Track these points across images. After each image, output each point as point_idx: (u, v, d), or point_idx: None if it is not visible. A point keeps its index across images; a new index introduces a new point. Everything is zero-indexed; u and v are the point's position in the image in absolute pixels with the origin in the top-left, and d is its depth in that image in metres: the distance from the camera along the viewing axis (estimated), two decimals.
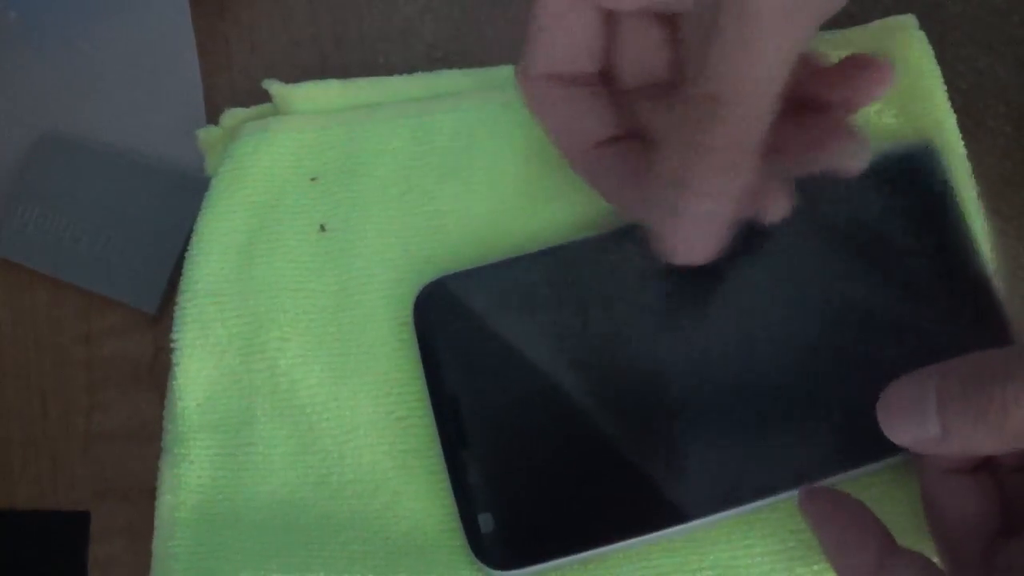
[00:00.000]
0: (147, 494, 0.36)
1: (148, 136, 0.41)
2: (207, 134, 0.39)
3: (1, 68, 0.42)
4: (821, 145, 0.30)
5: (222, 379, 0.36)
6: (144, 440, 0.38)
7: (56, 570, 0.38)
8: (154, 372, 0.39)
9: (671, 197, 0.28)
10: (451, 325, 0.35)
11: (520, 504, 0.33)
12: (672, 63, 0.33)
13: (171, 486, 0.35)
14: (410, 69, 0.39)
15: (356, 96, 0.39)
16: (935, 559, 0.29)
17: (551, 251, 0.35)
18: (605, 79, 0.34)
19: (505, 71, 0.39)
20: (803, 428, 0.33)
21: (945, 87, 0.37)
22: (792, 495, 0.32)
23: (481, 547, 0.33)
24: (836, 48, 0.38)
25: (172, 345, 0.36)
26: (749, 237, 0.34)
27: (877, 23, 0.38)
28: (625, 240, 0.35)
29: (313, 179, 0.38)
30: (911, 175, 0.34)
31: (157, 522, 0.35)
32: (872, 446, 0.32)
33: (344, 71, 0.40)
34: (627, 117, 0.33)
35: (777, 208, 0.31)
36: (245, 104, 0.39)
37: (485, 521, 0.33)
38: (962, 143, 0.36)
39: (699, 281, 0.34)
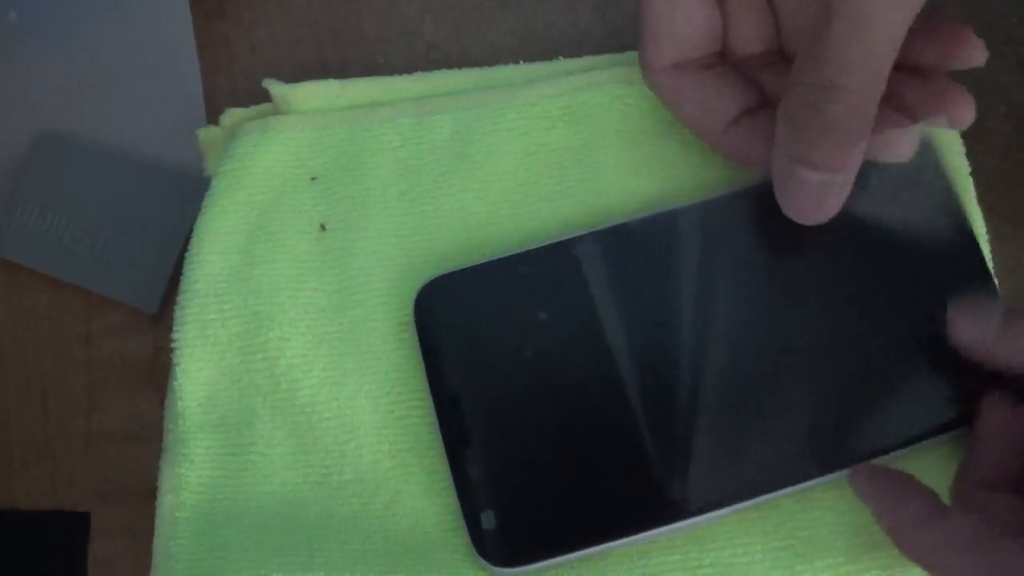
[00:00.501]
0: (147, 494, 0.36)
1: (148, 136, 0.41)
2: (207, 134, 0.39)
3: (1, 68, 0.42)
4: (940, 105, 0.32)
5: (222, 379, 0.36)
6: (144, 440, 0.38)
7: (56, 570, 0.38)
8: (154, 372, 0.39)
9: (794, 170, 0.31)
10: (452, 322, 0.35)
11: (522, 501, 0.33)
12: (778, 30, 0.35)
13: (172, 486, 0.35)
14: (410, 69, 0.39)
15: (356, 96, 0.39)
16: None
17: (553, 247, 0.35)
18: (722, 57, 0.35)
19: (505, 71, 0.39)
20: (804, 426, 0.33)
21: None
22: (792, 492, 0.33)
23: (483, 544, 0.33)
24: None
25: (172, 345, 0.36)
26: (753, 238, 0.34)
27: None
28: (626, 236, 0.35)
29: (313, 178, 0.38)
30: (911, 175, 0.34)
31: (158, 521, 0.35)
32: (873, 444, 0.32)
33: (344, 71, 0.40)
34: (753, 89, 0.35)
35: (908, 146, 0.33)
36: (245, 104, 0.39)
37: (487, 518, 0.33)
38: (962, 143, 0.36)
39: (702, 278, 0.34)
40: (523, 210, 0.37)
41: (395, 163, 0.38)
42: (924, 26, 0.32)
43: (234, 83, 0.41)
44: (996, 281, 0.34)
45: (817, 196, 0.31)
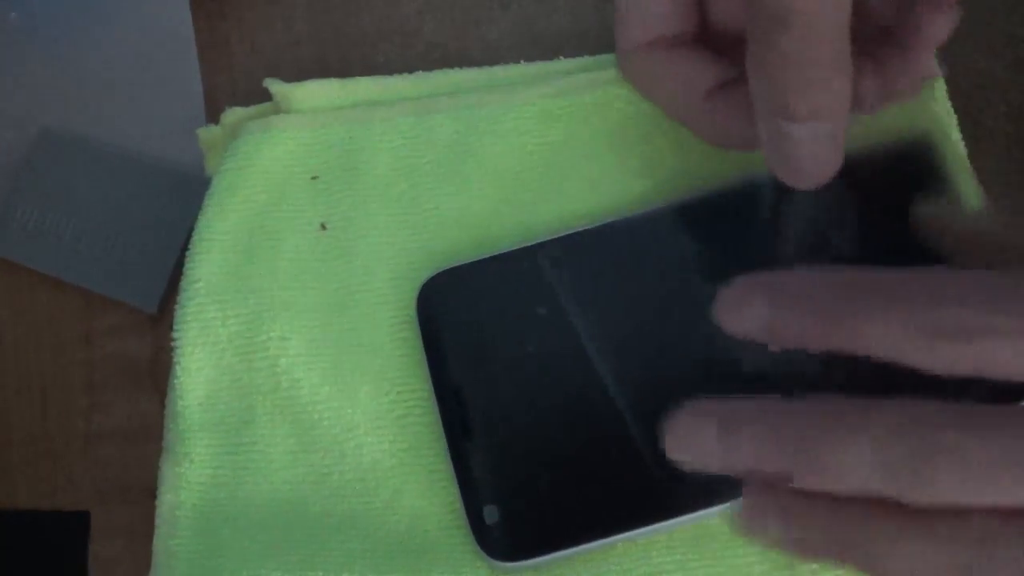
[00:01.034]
0: (147, 494, 0.36)
1: (148, 136, 0.41)
2: (207, 133, 0.39)
3: (1, 68, 0.42)
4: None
5: (222, 378, 0.36)
6: (144, 440, 0.38)
7: (56, 570, 0.38)
8: (154, 372, 0.39)
9: (777, 127, 0.29)
10: (455, 317, 0.35)
11: (524, 495, 0.33)
12: None
13: (172, 485, 0.35)
14: (410, 69, 0.39)
15: (356, 95, 0.39)
16: None
17: (557, 241, 0.35)
18: (701, 36, 0.34)
19: (505, 71, 0.39)
20: None
21: (945, 87, 0.37)
22: None
23: (486, 539, 0.33)
24: None
25: (172, 344, 0.36)
26: (749, 235, 0.34)
27: None
28: (626, 232, 0.35)
29: (313, 178, 0.38)
30: (911, 175, 0.34)
31: (158, 521, 0.35)
32: None
33: (344, 71, 0.40)
34: (732, 66, 0.33)
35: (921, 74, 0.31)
36: (245, 104, 0.39)
37: (490, 513, 0.33)
38: (962, 143, 0.36)
39: (703, 272, 0.34)
40: (523, 210, 0.37)
41: (395, 163, 0.38)
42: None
43: (234, 83, 0.41)
44: None
45: (808, 153, 0.29)
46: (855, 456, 0.24)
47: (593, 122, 0.37)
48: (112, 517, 0.38)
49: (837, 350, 0.25)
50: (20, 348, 0.40)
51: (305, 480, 0.35)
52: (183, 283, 0.37)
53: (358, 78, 0.39)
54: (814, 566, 0.32)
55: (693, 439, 0.26)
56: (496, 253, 0.35)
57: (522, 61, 0.39)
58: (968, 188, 0.35)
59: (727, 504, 0.32)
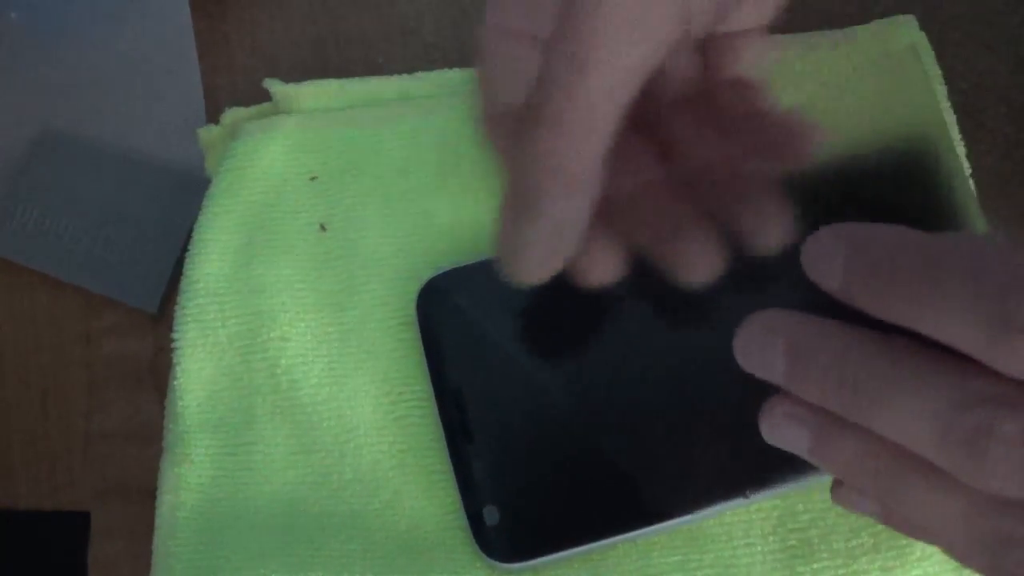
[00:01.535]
0: (147, 494, 0.36)
1: (148, 136, 0.41)
2: (207, 133, 0.39)
3: (1, 68, 0.42)
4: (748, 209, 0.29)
5: (222, 379, 0.36)
6: (144, 440, 0.38)
7: (56, 570, 0.38)
8: (154, 372, 0.39)
9: (511, 212, 0.28)
10: (455, 318, 0.35)
11: (525, 497, 0.33)
12: None
13: (172, 486, 0.35)
14: (410, 69, 0.39)
15: (356, 95, 0.39)
16: None
17: None
18: None
19: None
20: None
21: (945, 87, 0.37)
22: (793, 489, 0.33)
23: (486, 540, 0.33)
24: (835, 47, 0.38)
25: (172, 345, 0.36)
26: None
27: (876, 23, 0.38)
28: None
29: (313, 178, 0.38)
30: (910, 175, 0.34)
31: (158, 522, 0.35)
32: None
33: (344, 71, 0.40)
34: None
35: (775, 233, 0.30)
36: (245, 104, 0.39)
37: (490, 514, 0.33)
38: (962, 143, 0.36)
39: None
40: None
41: (395, 163, 0.38)
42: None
43: (234, 83, 0.41)
44: None
45: (523, 249, 0.28)
46: (914, 424, 0.24)
47: None
48: (112, 517, 0.38)
49: (904, 325, 0.25)
50: (20, 348, 0.40)
51: (305, 481, 0.35)
52: (183, 284, 0.37)
53: (358, 78, 0.39)
54: (815, 566, 0.32)
55: (760, 353, 0.26)
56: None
57: None
58: (967, 191, 0.35)
59: (727, 505, 0.32)
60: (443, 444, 0.34)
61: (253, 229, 0.37)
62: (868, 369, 0.25)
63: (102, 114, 0.41)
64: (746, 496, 0.32)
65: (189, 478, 0.35)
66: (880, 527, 0.33)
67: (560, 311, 0.34)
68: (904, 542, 0.32)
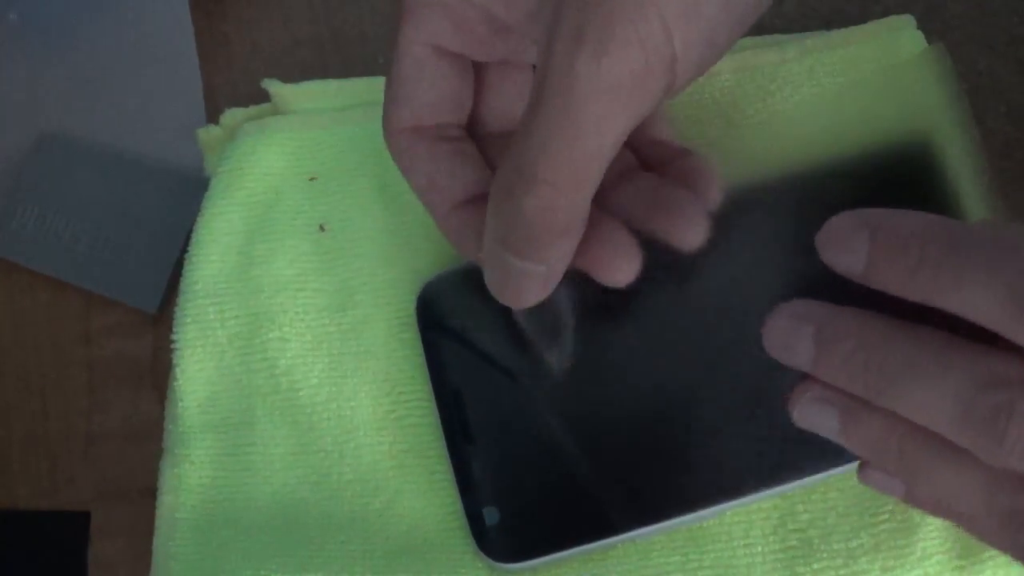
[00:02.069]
0: (147, 494, 0.36)
1: (148, 136, 0.41)
2: (207, 134, 0.39)
3: (1, 68, 0.42)
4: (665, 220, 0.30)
5: (222, 379, 0.36)
6: (144, 440, 0.38)
7: (56, 570, 0.38)
8: (154, 372, 0.39)
9: (497, 250, 0.29)
10: (455, 319, 0.35)
11: (525, 497, 0.33)
12: None
13: (171, 486, 0.35)
14: None
15: (356, 96, 0.39)
16: None
17: None
18: (472, 128, 0.33)
19: None
20: None
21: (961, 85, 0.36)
22: (793, 488, 0.33)
23: (486, 541, 0.33)
24: (834, 48, 0.38)
25: (172, 345, 0.36)
26: (747, 238, 0.34)
27: (875, 23, 0.38)
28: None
29: (312, 179, 0.38)
30: (910, 175, 0.34)
31: (157, 522, 0.35)
32: None
33: (344, 71, 0.40)
34: (490, 172, 0.32)
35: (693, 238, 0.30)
36: (245, 104, 0.39)
37: (490, 514, 0.33)
38: (976, 136, 0.36)
39: (702, 276, 0.34)
40: None
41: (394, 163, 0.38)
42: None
43: (234, 83, 0.41)
44: None
45: (517, 283, 0.29)
46: (936, 405, 0.25)
47: None
48: (112, 517, 0.38)
49: (929, 304, 0.25)
50: (20, 348, 0.40)
51: (305, 482, 0.35)
52: (183, 283, 0.37)
53: (357, 79, 0.39)
54: (815, 566, 0.32)
55: (789, 342, 0.27)
56: None
57: None
58: (967, 191, 0.35)
59: (727, 505, 0.32)
60: (443, 444, 0.34)
61: (253, 229, 0.37)
62: (892, 353, 0.25)
63: (102, 114, 0.41)
64: (744, 496, 0.32)
65: (189, 479, 0.35)
66: (880, 527, 0.33)
67: (560, 311, 0.34)
68: (904, 542, 0.33)
